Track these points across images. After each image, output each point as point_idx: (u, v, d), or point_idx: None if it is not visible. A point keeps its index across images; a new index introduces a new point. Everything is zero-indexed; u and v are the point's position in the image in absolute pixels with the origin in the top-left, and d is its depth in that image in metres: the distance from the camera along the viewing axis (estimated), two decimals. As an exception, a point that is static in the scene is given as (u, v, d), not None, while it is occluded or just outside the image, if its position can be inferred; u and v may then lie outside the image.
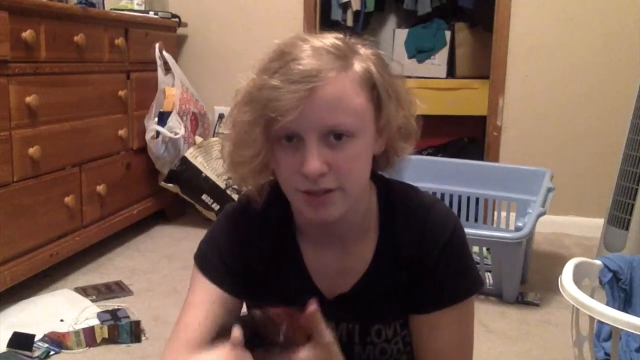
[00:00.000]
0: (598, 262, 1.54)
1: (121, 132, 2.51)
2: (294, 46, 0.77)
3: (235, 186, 0.89)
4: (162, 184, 2.79)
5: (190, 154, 2.74)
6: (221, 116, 3.14)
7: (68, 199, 2.15)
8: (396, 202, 0.90)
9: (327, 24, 3.59)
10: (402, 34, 3.76)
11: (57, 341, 1.70)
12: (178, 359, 0.85)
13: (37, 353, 1.65)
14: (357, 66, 0.78)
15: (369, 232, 0.89)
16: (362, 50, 0.81)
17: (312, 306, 0.71)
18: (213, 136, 3.07)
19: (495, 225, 2.64)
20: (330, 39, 0.79)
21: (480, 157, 3.07)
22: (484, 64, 3.17)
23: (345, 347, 0.88)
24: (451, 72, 3.75)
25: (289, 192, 0.81)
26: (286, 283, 0.90)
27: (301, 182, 0.77)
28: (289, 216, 0.89)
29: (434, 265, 0.86)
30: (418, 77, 3.65)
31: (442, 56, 3.70)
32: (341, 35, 0.82)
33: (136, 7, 2.87)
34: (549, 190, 2.27)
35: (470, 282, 0.90)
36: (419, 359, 0.92)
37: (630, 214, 2.11)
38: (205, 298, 0.89)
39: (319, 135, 0.75)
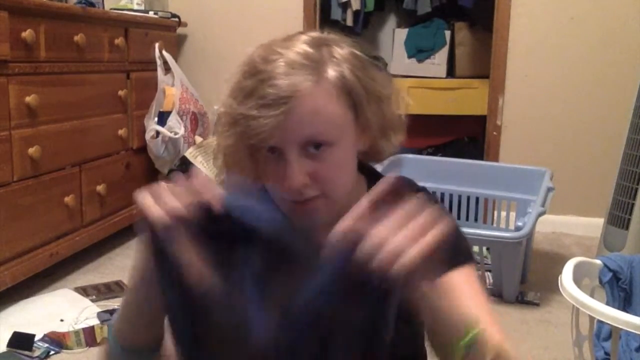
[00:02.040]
0: (598, 261, 1.54)
1: (121, 132, 2.51)
2: (267, 62, 0.76)
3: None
4: (162, 183, 2.79)
5: (190, 153, 2.74)
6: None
7: (68, 199, 2.15)
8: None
9: (327, 23, 3.59)
10: (402, 33, 3.75)
11: (57, 341, 1.70)
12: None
13: (37, 353, 1.65)
14: (331, 73, 0.77)
15: None
16: (337, 52, 0.79)
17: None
18: (213, 136, 3.07)
19: (495, 224, 2.64)
20: (302, 46, 0.77)
21: (480, 156, 3.07)
22: (484, 64, 3.17)
23: None
24: (451, 72, 3.74)
25: (275, 198, 0.82)
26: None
27: (286, 194, 0.78)
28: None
29: None
30: (418, 77, 3.65)
31: (442, 56, 3.70)
32: (315, 35, 0.81)
33: (136, 7, 2.87)
34: (549, 189, 2.27)
35: (466, 252, 0.88)
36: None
37: (630, 214, 2.11)
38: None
39: (298, 148, 0.76)
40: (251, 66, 0.77)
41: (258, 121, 0.73)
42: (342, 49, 0.80)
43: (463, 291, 0.84)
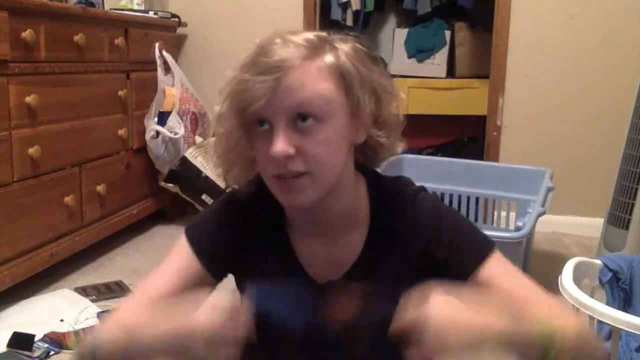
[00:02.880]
0: (598, 261, 1.54)
1: (121, 132, 2.51)
2: (269, 41, 0.81)
3: (236, 186, 0.88)
4: (162, 183, 2.79)
5: (190, 153, 2.74)
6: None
7: (68, 199, 2.15)
8: (388, 191, 0.91)
9: (327, 23, 3.59)
10: (402, 33, 3.75)
11: (57, 341, 1.70)
12: (138, 311, 0.86)
13: (37, 353, 1.65)
14: (327, 57, 0.81)
15: (358, 222, 0.89)
16: (339, 45, 0.83)
17: None
18: (213, 136, 3.06)
19: (495, 224, 2.64)
20: (306, 35, 0.82)
21: (480, 156, 3.07)
22: (484, 64, 3.17)
23: None
24: (451, 72, 3.74)
25: (266, 179, 0.83)
26: (276, 271, 0.90)
27: (273, 167, 0.79)
28: (278, 207, 0.89)
29: (444, 243, 0.86)
30: (418, 77, 3.66)
31: (441, 56, 3.70)
32: (323, 34, 0.84)
33: (136, 7, 2.87)
34: (549, 189, 2.27)
35: (484, 241, 0.89)
36: None
37: (630, 214, 2.11)
38: (184, 267, 0.90)
39: (286, 119, 0.78)
40: (257, 46, 0.81)
41: (249, 84, 0.77)
42: (344, 43, 0.84)
43: (505, 281, 0.85)
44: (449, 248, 0.86)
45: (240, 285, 0.96)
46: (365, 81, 0.82)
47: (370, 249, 0.88)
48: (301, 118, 0.78)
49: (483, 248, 0.87)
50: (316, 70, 0.79)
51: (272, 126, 0.78)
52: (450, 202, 2.64)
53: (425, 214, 0.88)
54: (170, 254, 0.93)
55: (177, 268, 0.91)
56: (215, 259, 0.91)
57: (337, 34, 0.86)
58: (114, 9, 2.71)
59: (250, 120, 0.80)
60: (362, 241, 0.89)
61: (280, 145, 0.77)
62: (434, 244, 0.87)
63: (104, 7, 2.67)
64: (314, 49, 0.80)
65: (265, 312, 0.82)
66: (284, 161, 0.78)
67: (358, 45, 0.85)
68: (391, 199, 0.90)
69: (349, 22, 3.68)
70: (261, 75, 0.77)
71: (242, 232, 0.91)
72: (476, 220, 2.63)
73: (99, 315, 1.86)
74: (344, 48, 0.83)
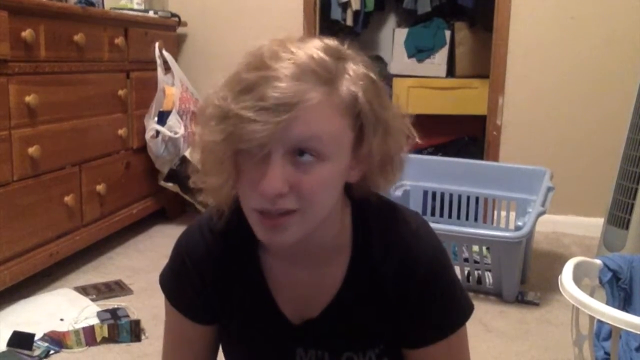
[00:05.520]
0: (598, 261, 1.54)
1: (121, 132, 2.51)
2: (274, 58, 0.68)
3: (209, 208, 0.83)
4: (162, 183, 2.79)
5: (190, 153, 2.74)
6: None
7: (68, 199, 2.15)
8: (372, 222, 0.82)
9: (327, 23, 3.59)
10: (402, 33, 3.75)
11: (57, 340, 1.70)
12: None
13: (37, 352, 1.65)
14: (344, 89, 0.70)
15: (340, 253, 0.82)
16: (353, 69, 0.72)
17: None
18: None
19: (495, 224, 2.64)
20: (317, 52, 0.70)
21: (480, 156, 3.07)
22: (484, 64, 3.17)
23: None
24: (451, 72, 3.74)
25: (246, 209, 0.73)
26: (249, 307, 0.85)
27: (258, 201, 0.69)
28: (253, 235, 0.76)
29: (418, 300, 0.81)
30: (418, 77, 3.66)
31: (441, 55, 3.70)
32: (332, 44, 0.73)
33: (136, 7, 2.87)
34: (549, 189, 2.27)
35: (460, 313, 0.85)
36: None
37: (630, 214, 2.11)
38: (183, 335, 0.90)
39: (285, 150, 0.67)
40: (257, 58, 0.69)
41: (253, 125, 0.65)
42: (358, 67, 0.73)
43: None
44: (416, 313, 0.81)
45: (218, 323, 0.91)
46: (379, 123, 0.73)
47: (351, 283, 0.82)
48: (302, 152, 0.68)
49: (448, 328, 0.83)
50: (332, 108, 0.69)
51: (268, 154, 0.67)
52: (450, 201, 2.64)
53: (418, 259, 0.80)
54: (166, 321, 0.93)
55: (179, 335, 0.91)
56: (202, 310, 0.88)
57: (349, 45, 0.76)
58: (114, 9, 2.71)
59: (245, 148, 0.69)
60: (343, 273, 0.82)
61: (274, 182, 0.67)
62: (412, 300, 0.81)
63: (103, 7, 2.67)
64: (330, 81, 0.69)
65: None
66: (274, 198, 0.68)
67: (371, 74, 0.74)
68: (375, 232, 0.82)
69: (349, 22, 3.68)
70: (268, 113, 0.64)
71: (210, 282, 0.85)
72: (476, 220, 2.63)
73: (99, 314, 1.85)
74: (360, 74, 0.72)
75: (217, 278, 0.85)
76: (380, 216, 0.83)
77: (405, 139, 0.78)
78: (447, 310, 0.83)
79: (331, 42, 0.74)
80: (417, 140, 0.79)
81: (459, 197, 2.64)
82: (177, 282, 0.88)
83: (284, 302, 0.84)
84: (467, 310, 0.86)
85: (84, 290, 2.06)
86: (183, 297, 0.88)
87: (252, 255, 0.84)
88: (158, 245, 2.60)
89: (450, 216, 2.64)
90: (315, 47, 0.71)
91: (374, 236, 0.81)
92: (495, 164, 2.84)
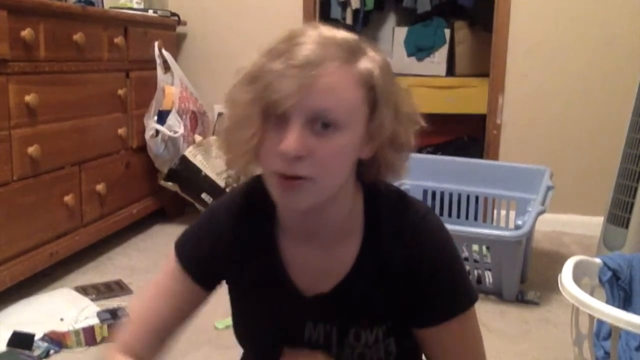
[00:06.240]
0: (598, 260, 1.54)
1: (120, 131, 2.51)
2: (303, 32, 0.78)
3: (235, 184, 0.87)
4: (162, 182, 2.79)
5: (190, 152, 2.74)
6: (221, 114, 3.14)
7: (67, 198, 2.15)
8: (382, 207, 0.88)
9: (327, 22, 3.58)
10: (402, 32, 3.75)
11: (57, 340, 1.70)
12: (137, 346, 0.91)
13: (37, 352, 1.65)
14: (362, 64, 0.78)
15: (352, 235, 0.87)
16: (372, 53, 0.80)
17: None
18: (212, 135, 3.06)
19: (494, 223, 2.64)
20: (342, 33, 0.80)
21: (480, 155, 3.07)
22: (484, 63, 3.17)
23: (323, 349, 0.89)
24: (451, 71, 3.74)
25: (266, 174, 0.80)
26: (263, 278, 0.90)
27: (278, 163, 0.75)
28: (272, 211, 0.87)
29: (426, 281, 0.85)
30: (418, 75, 3.65)
31: (441, 54, 3.70)
32: (356, 36, 0.82)
33: (135, 6, 2.87)
34: (549, 188, 2.27)
35: (466, 295, 0.88)
36: None
37: (630, 213, 2.11)
38: (175, 287, 0.92)
39: (306, 119, 0.74)
40: (289, 34, 0.78)
41: (280, 77, 0.73)
42: (376, 53, 0.81)
43: (452, 342, 0.87)
44: (423, 295, 0.85)
45: (230, 294, 0.96)
46: (390, 100, 0.80)
47: (361, 264, 0.86)
48: (322, 121, 0.75)
49: (455, 309, 0.86)
50: (350, 78, 0.76)
51: (290, 121, 0.75)
52: (450, 200, 2.64)
53: (426, 242, 0.85)
54: (163, 270, 0.94)
55: (166, 287, 0.92)
56: (202, 270, 0.91)
57: (368, 42, 0.83)
58: (114, 8, 2.71)
59: (269, 112, 0.76)
60: (355, 254, 0.87)
61: (294, 143, 0.73)
62: (419, 283, 0.85)
63: (103, 6, 2.67)
64: (352, 53, 0.77)
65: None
66: (292, 161, 0.74)
67: (387, 59, 0.83)
68: (386, 216, 0.87)
69: (349, 20, 3.68)
70: (295, 68, 0.73)
71: (229, 241, 0.90)
72: (476, 219, 2.63)
73: (99, 314, 1.85)
74: (378, 59, 0.80)
75: (235, 247, 0.90)
76: (390, 202, 0.88)
77: (413, 123, 0.84)
78: (455, 291, 0.87)
79: (355, 35, 0.83)
80: (423, 124, 0.85)
81: (459, 196, 2.64)
82: (196, 238, 0.93)
83: (297, 276, 0.89)
84: (473, 294, 0.89)
85: (84, 290, 2.06)
86: (196, 251, 0.91)
87: (270, 233, 0.89)
88: (158, 245, 2.60)
89: (450, 215, 2.64)
90: (341, 31, 0.81)
91: (384, 220, 0.86)
92: (495, 163, 2.84)
